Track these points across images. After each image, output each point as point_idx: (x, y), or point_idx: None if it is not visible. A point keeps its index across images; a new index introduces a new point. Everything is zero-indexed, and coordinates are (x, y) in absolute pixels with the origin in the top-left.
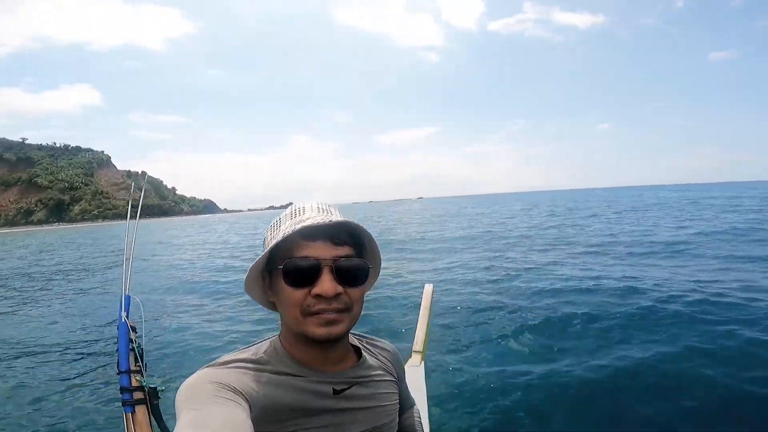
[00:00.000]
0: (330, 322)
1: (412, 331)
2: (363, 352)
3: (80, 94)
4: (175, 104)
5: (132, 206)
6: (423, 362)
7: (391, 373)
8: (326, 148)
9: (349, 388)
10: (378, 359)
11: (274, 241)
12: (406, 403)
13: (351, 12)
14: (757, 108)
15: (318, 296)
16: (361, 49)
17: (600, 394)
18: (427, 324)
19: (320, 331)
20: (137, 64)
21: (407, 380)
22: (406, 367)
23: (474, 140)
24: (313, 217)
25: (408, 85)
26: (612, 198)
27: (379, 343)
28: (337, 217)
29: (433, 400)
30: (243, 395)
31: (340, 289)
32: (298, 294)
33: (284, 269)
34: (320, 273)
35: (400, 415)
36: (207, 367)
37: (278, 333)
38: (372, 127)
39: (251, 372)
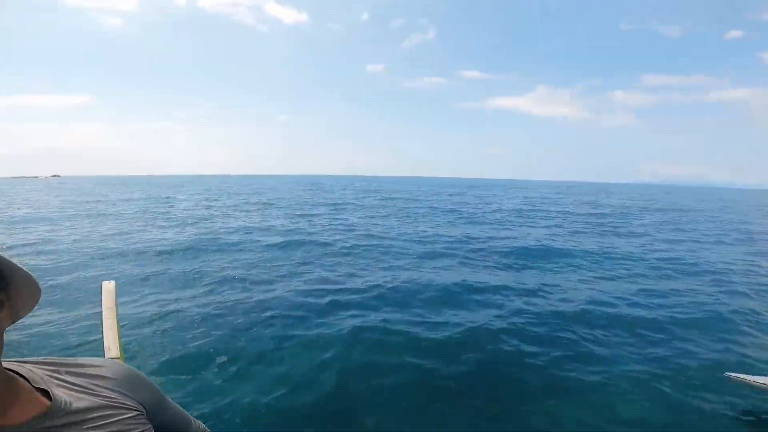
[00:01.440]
0: None
1: (97, 335)
2: (55, 389)
3: None
4: None
5: None
6: None
7: (122, 406)
8: None
9: None
10: (93, 392)
11: None
12: (182, 427)
13: None
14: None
15: None
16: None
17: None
18: (117, 326)
19: None
20: None
21: None
22: None
23: (148, 116)
24: None
25: (68, 46)
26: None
27: (86, 370)
28: None
29: None
30: None
31: None
32: None
33: None
34: None
35: None
36: None
37: None
38: None
39: None
